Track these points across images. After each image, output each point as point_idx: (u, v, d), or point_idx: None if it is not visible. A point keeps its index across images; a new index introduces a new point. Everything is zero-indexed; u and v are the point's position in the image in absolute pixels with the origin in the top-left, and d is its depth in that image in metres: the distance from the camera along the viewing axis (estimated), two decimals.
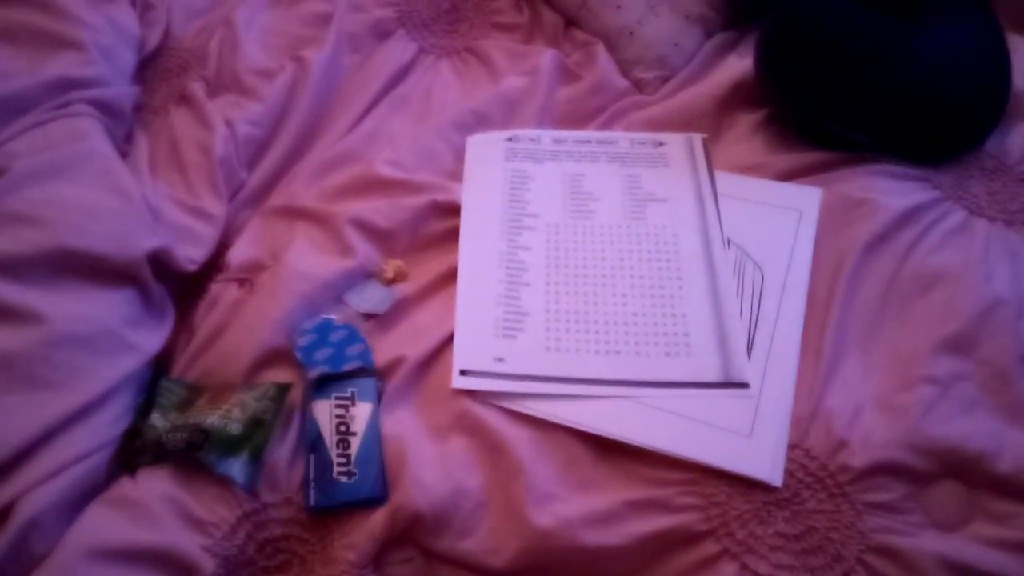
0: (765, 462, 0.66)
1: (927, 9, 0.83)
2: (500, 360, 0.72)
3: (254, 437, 0.66)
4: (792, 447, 0.67)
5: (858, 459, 0.65)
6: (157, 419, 0.68)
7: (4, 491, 0.60)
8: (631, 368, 0.71)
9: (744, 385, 0.70)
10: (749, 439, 0.67)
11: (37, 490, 0.60)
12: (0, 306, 0.66)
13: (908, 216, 0.78)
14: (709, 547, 0.63)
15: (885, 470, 0.65)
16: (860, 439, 0.66)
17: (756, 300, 0.75)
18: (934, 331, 0.72)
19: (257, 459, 0.65)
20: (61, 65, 0.85)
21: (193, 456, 0.64)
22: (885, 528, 0.63)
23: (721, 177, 0.85)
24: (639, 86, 0.95)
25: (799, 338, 0.73)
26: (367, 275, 0.79)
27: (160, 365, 0.73)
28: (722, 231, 0.80)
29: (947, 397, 0.68)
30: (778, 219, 0.81)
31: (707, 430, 0.68)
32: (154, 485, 0.64)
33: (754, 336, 0.73)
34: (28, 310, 0.66)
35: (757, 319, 0.74)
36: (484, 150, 0.89)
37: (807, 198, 0.82)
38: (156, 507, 0.62)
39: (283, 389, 0.69)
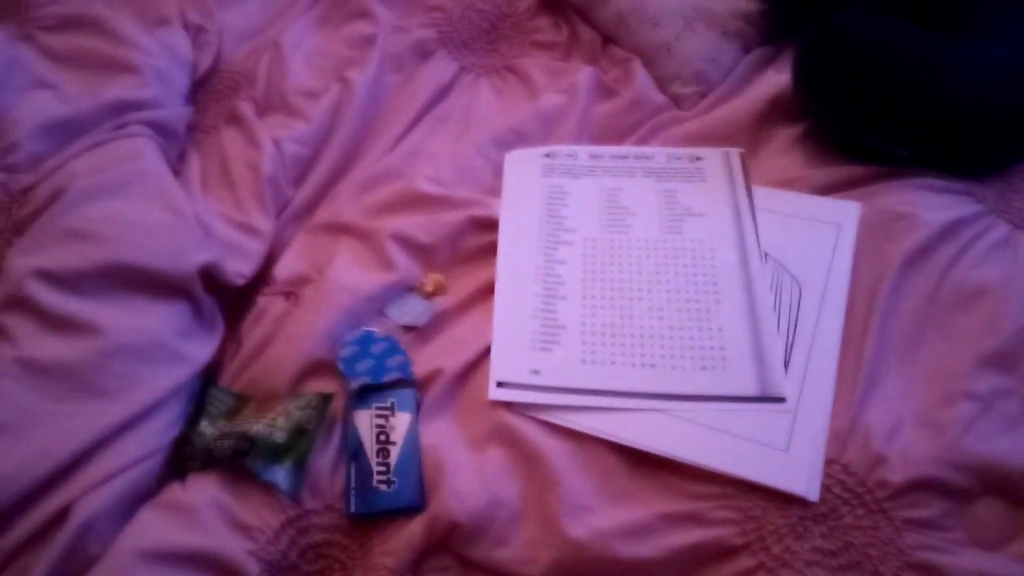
0: (802, 477, 0.66)
1: (969, 23, 0.82)
2: (536, 372, 0.73)
3: (298, 445, 0.68)
4: (829, 462, 0.67)
5: (897, 475, 0.65)
6: (206, 427, 0.70)
7: (62, 494, 0.63)
8: (667, 381, 0.72)
9: (780, 399, 0.70)
10: (786, 453, 0.67)
11: (92, 493, 0.63)
12: (60, 318, 0.69)
13: (949, 230, 0.78)
14: (745, 561, 0.63)
15: (924, 486, 0.64)
16: (899, 455, 0.66)
17: (794, 314, 0.75)
18: (976, 347, 0.71)
19: (301, 466, 0.67)
20: (118, 88, 0.90)
21: (240, 463, 0.67)
22: (925, 545, 0.62)
23: (759, 191, 0.85)
24: (676, 101, 0.96)
25: (837, 353, 0.73)
26: (407, 289, 0.81)
27: (209, 375, 0.76)
28: (759, 245, 0.80)
29: (989, 414, 0.67)
30: (816, 233, 0.81)
31: (743, 444, 0.68)
32: (202, 490, 0.66)
33: (791, 350, 0.73)
34: (86, 322, 0.69)
35: (794, 333, 0.74)
36: (522, 166, 0.90)
37: (845, 212, 0.81)
38: (204, 512, 0.65)
39: (326, 399, 0.71)
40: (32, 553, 0.61)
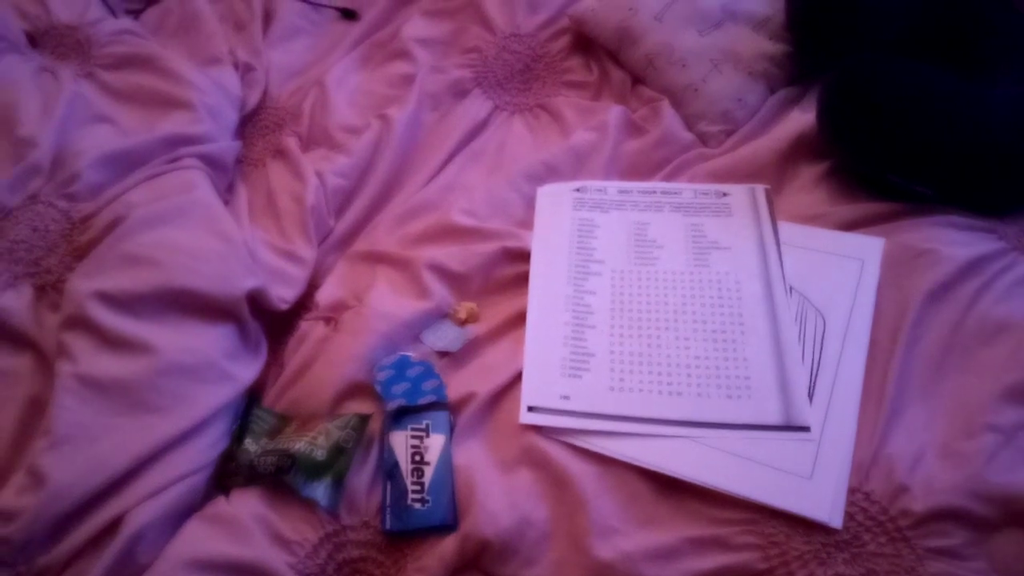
0: (825, 504, 0.67)
1: (988, 65, 0.85)
2: (566, 398, 0.76)
3: (337, 463, 0.71)
4: (852, 490, 0.68)
5: (919, 504, 0.66)
6: (250, 444, 0.74)
7: (116, 504, 0.66)
8: (693, 409, 0.74)
9: (805, 428, 0.72)
10: (809, 481, 0.69)
11: (143, 505, 0.67)
12: (118, 337, 0.73)
13: (972, 266, 0.79)
14: None
15: (947, 516, 0.65)
16: (922, 484, 0.67)
17: (818, 346, 0.77)
18: (998, 380, 0.72)
19: (339, 484, 0.70)
20: (173, 123, 0.95)
21: (281, 479, 0.70)
22: (947, 573, 0.63)
23: (783, 226, 0.87)
24: (703, 139, 0.99)
25: (861, 383, 0.74)
26: (442, 316, 0.84)
27: (253, 395, 0.79)
28: (784, 278, 0.83)
29: (1010, 446, 0.68)
30: (840, 267, 0.83)
31: (767, 471, 0.70)
32: (246, 504, 0.69)
33: (815, 381, 0.75)
34: (142, 341, 0.73)
35: (819, 364, 0.76)
36: (553, 200, 0.94)
37: (869, 247, 0.83)
38: (248, 524, 0.68)
39: (364, 420, 0.74)
40: (86, 560, 0.64)
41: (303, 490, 0.69)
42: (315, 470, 0.70)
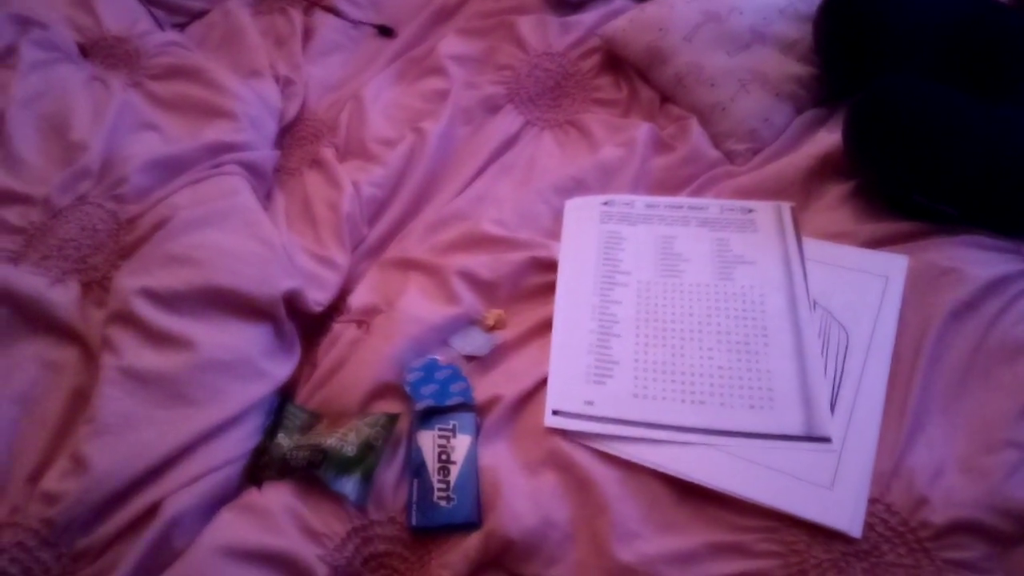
0: (845, 513, 0.68)
1: (1014, 87, 0.86)
2: (590, 403, 0.77)
3: (366, 459, 0.73)
4: (873, 501, 0.69)
5: (939, 516, 0.66)
6: (282, 439, 0.76)
7: (154, 491, 0.69)
8: (715, 417, 0.75)
9: (826, 439, 0.73)
10: (830, 490, 0.69)
11: (180, 493, 0.69)
12: (160, 332, 0.76)
13: (995, 286, 0.80)
14: None
15: (966, 529, 0.66)
16: (941, 497, 0.68)
17: (840, 359, 0.78)
18: (1019, 398, 0.73)
19: (368, 479, 0.72)
20: (217, 131, 0.99)
21: (312, 473, 0.72)
22: None
23: (808, 243, 0.88)
24: (730, 157, 1.00)
25: (883, 397, 0.75)
26: (470, 322, 0.86)
27: (286, 392, 0.82)
28: (808, 292, 0.84)
29: None
30: (864, 284, 0.83)
31: (788, 480, 0.70)
32: (278, 497, 0.71)
33: (838, 393, 0.76)
34: (182, 337, 0.76)
35: (841, 377, 0.77)
36: (581, 212, 0.95)
37: (893, 265, 0.84)
38: (279, 516, 0.70)
39: (393, 419, 0.76)
40: (124, 543, 0.66)
41: (333, 484, 0.71)
42: (345, 465, 0.72)
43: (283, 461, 0.74)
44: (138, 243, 0.86)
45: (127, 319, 0.77)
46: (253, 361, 0.78)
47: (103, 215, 0.90)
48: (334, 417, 0.78)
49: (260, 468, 0.74)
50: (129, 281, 0.79)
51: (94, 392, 0.73)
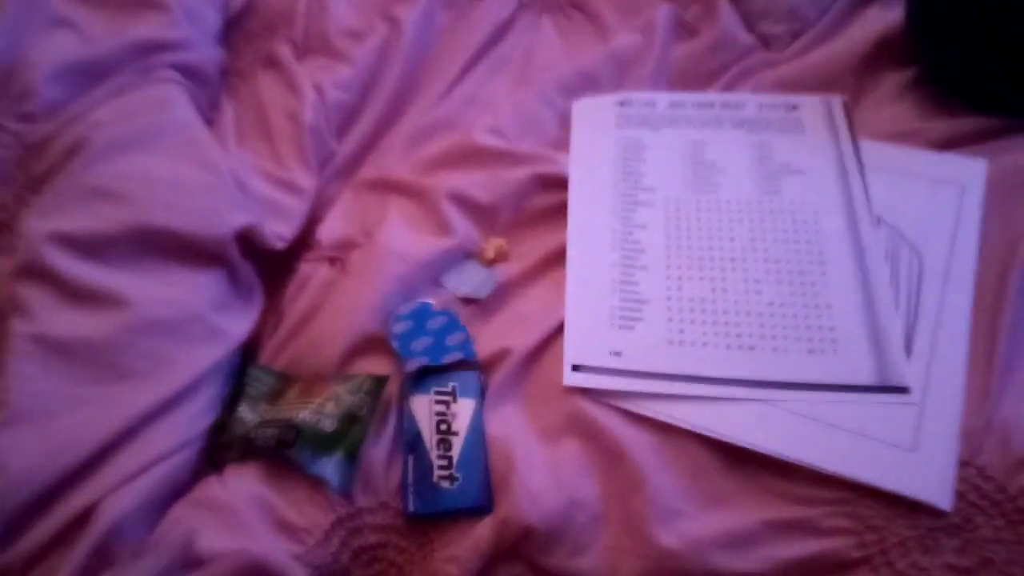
0: (931, 481, 0.57)
1: None
2: (617, 354, 0.64)
3: (349, 434, 0.60)
4: (963, 464, 0.58)
5: None
6: (245, 412, 0.63)
7: (86, 491, 0.56)
8: (768, 367, 0.63)
9: (903, 390, 0.61)
10: (912, 453, 0.58)
11: (119, 492, 0.56)
12: (82, 288, 0.62)
13: None
14: None
15: None
16: None
17: (914, 289, 0.65)
18: None
19: (352, 459, 0.60)
20: (145, 27, 0.81)
21: (284, 454, 0.59)
22: None
23: (866, 146, 0.75)
24: (766, 42, 0.85)
25: (967, 334, 0.63)
26: (466, 255, 0.73)
27: (248, 352, 0.68)
28: (870, 208, 0.70)
29: None
30: (936, 195, 0.70)
31: (860, 442, 0.59)
32: (242, 485, 0.59)
33: (913, 331, 0.63)
34: (111, 293, 0.62)
35: (916, 312, 0.64)
36: (592, 116, 0.80)
37: (970, 171, 0.71)
38: (244, 510, 0.57)
39: (379, 382, 0.63)
40: (54, 558, 0.54)
41: (310, 467, 0.59)
42: (324, 443, 0.59)
43: (246, 440, 0.61)
44: (50, 173, 0.70)
45: (39, 273, 0.62)
46: (203, 317, 0.64)
47: (6, 139, 0.73)
48: (308, 381, 0.65)
49: (219, 449, 0.62)
50: (39, 224, 0.64)
51: (2, 369, 0.58)
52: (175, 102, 0.75)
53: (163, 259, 0.65)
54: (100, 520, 0.54)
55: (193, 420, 0.61)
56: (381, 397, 0.63)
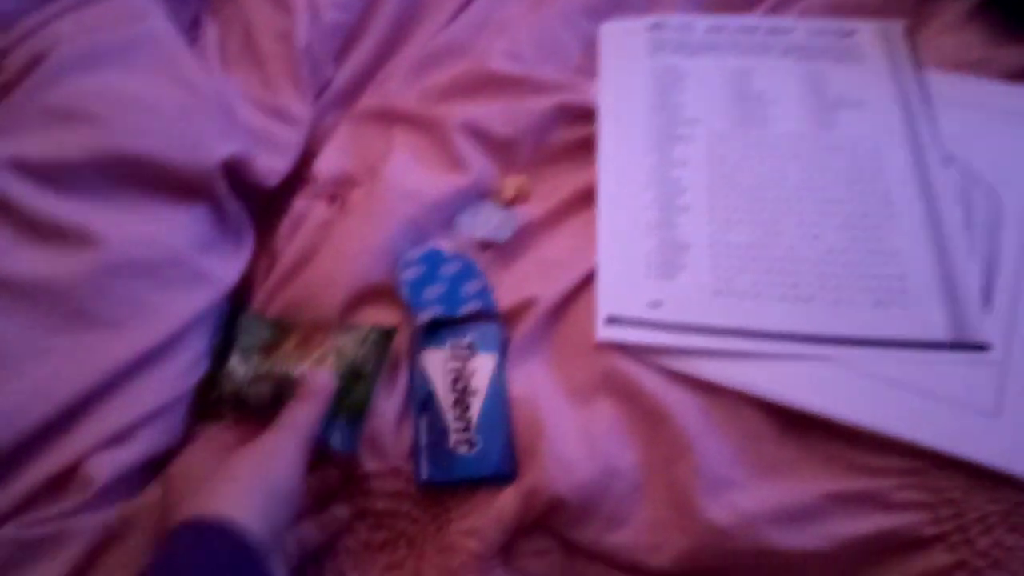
0: (1016, 450, 0.50)
1: None
2: (657, 305, 0.57)
3: (354, 392, 0.53)
4: None
5: None
6: (236, 365, 0.55)
7: (63, 451, 0.49)
8: (828, 320, 0.56)
9: (983, 347, 0.54)
10: (994, 419, 0.51)
11: (100, 457, 0.49)
12: (45, 223, 0.54)
13: None
14: (940, 557, 0.49)
15: None
16: None
17: (992, 235, 0.58)
18: None
19: (357, 419, 0.53)
20: None
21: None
22: None
23: (931, 76, 0.67)
24: None
25: None
26: (482, 195, 0.65)
27: (238, 299, 0.60)
28: (940, 145, 0.63)
29: None
30: (1012, 131, 0.64)
31: (935, 404, 0.52)
32: None
33: (992, 283, 0.56)
34: (79, 229, 0.54)
35: (995, 260, 0.57)
36: (622, 41, 0.72)
37: None
38: None
39: (387, 334, 0.56)
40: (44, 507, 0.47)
41: None
42: None
43: (237, 397, 0.53)
44: (4, 91, 0.61)
45: None
46: (185, 258, 0.56)
47: None
48: (307, 331, 0.57)
49: (209, 406, 0.54)
50: None
51: None
52: (149, 13, 0.66)
53: (137, 192, 0.57)
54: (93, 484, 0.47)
55: (180, 376, 0.54)
56: (389, 351, 0.55)
